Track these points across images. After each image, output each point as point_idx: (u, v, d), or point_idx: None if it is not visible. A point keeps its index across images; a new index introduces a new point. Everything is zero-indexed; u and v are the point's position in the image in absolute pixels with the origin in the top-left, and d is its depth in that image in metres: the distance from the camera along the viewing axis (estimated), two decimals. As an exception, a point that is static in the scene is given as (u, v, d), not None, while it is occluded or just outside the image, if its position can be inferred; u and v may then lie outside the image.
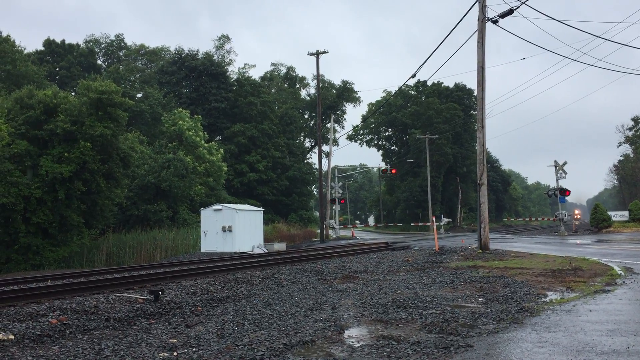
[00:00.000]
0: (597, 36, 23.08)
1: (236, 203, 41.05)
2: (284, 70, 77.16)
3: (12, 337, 7.78)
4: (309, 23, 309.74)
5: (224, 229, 30.23)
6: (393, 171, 63.17)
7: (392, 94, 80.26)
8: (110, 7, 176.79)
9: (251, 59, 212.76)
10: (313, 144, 74.87)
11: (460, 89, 78.00)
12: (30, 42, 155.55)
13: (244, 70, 73.00)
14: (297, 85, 76.71)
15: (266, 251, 30.60)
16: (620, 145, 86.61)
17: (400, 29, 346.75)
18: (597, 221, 38.82)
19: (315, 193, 77.22)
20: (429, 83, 76.41)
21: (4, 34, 50.10)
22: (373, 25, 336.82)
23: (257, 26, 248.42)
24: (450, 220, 68.27)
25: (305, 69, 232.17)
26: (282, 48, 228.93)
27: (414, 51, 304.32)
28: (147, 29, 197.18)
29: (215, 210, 31.16)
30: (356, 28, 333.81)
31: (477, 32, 21.24)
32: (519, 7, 20.19)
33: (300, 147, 71.45)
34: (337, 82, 76.58)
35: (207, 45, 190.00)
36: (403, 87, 73.95)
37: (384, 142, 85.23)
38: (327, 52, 43.63)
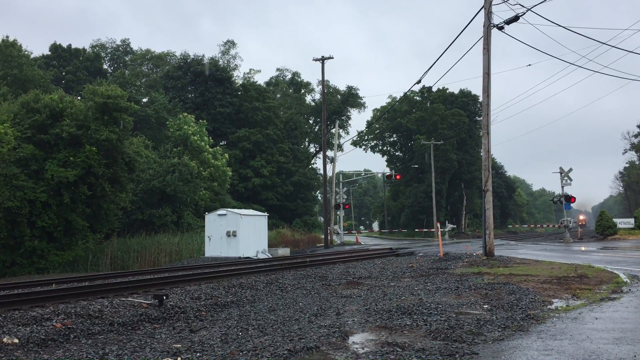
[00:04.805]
0: (603, 43, 23.03)
1: (240, 208, 41.08)
2: (289, 76, 77.36)
3: (16, 340, 7.79)
4: (313, 25, 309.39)
5: (228, 234, 30.24)
6: (397, 177, 63.22)
7: (396, 99, 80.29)
8: (110, 8, 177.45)
9: (254, 60, 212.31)
10: (318, 150, 74.86)
11: (465, 95, 77.93)
12: (30, 44, 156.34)
13: (249, 76, 73.23)
14: (302, 91, 76.82)
15: (270, 256, 30.58)
16: (625, 152, 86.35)
17: (405, 32, 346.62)
18: (602, 228, 38.64)
19: (320, 198, 77.19)
20: (434, 89, 76.36)
21: (10, 39, 50.41)
22: (378, 28, 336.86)
23: (260, 28, 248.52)
24: (455, 226, 68.15)
25: (309, 72, 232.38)
26: (285, 50, 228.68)
27: (419, 54, 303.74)
28: (148, 31, 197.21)
29: (219, 215, 31.19)
30: (361, 30, 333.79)
31: (482, 38, 21.25)
32: (524, 13, 20.20)
33: (305, 152, 71.46)
34: (341, 86, 76.81)
35: (209, 47, 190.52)
36: (408, 93, 73.97)
37: (388, 148, 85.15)
38: (332, 58, 43.64)
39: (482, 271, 15.74)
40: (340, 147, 68.69)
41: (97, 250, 32.21)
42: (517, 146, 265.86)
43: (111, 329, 8.95)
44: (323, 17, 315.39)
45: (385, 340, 7.09)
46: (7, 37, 50.62)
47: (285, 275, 16.83)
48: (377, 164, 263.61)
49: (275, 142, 59.64)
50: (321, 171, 52.85)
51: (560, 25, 21.72)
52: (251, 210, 36.80)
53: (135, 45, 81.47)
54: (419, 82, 28.00)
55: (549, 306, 9.43)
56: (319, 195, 77.55)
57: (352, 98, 74.14)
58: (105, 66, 69.81)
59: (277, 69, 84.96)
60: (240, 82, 66.46)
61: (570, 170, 38.19)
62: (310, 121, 75.76)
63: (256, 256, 30.14)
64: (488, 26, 21.03)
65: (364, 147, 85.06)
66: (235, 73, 70.44)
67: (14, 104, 32.56)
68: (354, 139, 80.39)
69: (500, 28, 20.95)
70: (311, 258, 24.81)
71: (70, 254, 30.51)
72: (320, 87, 63.91)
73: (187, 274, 16.75)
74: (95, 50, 68.92)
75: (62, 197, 29.52)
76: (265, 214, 35.40)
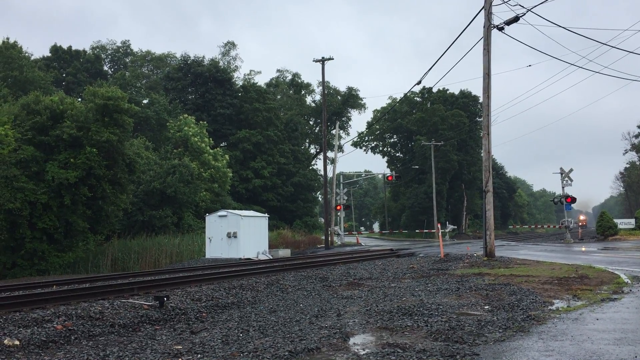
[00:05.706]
0: (603, 43, 23.04)
1: (241, 209, 41.07)
2: (289, 77, 77.44)
3: (17, 342, 7.79)
4: (312, 25, 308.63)
5: (228, 235, 30.23)
6: (395, 177, 63.21)
7: (397, 100, 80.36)
8: (109, 8, 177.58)
9: (253, 60, 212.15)
10: (318, 151, 74.93)
11: (465, 95, 77.95)
12: (30, 44, 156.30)
13: (250, 77, 73.31)
14: (303, 92, 76.88)
15: (271, 257, 30.56)
16: (626, 152, 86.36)
17: (405, 32, 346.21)
18: (603, 229, 38.63)
19: (320, 199, 77.22)
20: (435, 90, 76.41)
21: (10, 40, 50.47)
22: (378, 27, 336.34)
23: (259, 28, 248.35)
24: (456, 227, 68.13)
25: (309, 72, 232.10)
26: (285, 50, 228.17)
27: (419, 54, 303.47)
28: (147, 31, 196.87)
29: (220, 216, 31.18)
30: (361, 30, 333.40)
31: (482, 39, 21.25)
32: (524, 14, 20.20)
33: (306, 153, 71.49)
34: (341, 87, 76.92)
35: (209, 47, 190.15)
36: (408, 94, 74.02)
37: (389, 149, 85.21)
38: (333, 59, 43.68)
39: (483, 272, 15.73)
40: (340, 148, 68.61)
41: (97, 251, 32.20)
42: (517, 147, 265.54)
43: (112, 331, 8.95)
44: (323, 17, 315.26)
45: (386, 341, 7.09)
46: (8, 38, 50.74)
47: (286, 277, 16.82)
48: (377, 164, 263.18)
49: (276, 143, 59.65)
50: (321, 172, 52.93)
51: (560, 26, 21.75)
52: (252, 211, 36.81)
53: (134, 46, 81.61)
54: (419, 83, 28.03)
55: (549, 307, 9.43)
56: (320, 196, 77.57)
57: (352, 99, 74.20)
58: (105, 68, 69.91)
59: (278, 70, 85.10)
60: (241, 84, 66.51)
61: (571, 170, 38.20)
62: (311, 122, 75.82)
63: (257, 257, 30.12)
64: (488, 27, 21.04)
65: (364, 148, 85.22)
66: (236, 74, 70.60)
67: (15, 105, 32.56)
68: (355, 140, 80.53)
69: (501, 29, 20.96)
70: (312, 259, 24.80)
71: (71, 255, 30.51)
72: (320, 88, 63.96)
73: (188, 275, 16.75)
74: (95, 51, 69.03)
75: (62, 198, 29.51)
76: (266, 215, 35.38)
